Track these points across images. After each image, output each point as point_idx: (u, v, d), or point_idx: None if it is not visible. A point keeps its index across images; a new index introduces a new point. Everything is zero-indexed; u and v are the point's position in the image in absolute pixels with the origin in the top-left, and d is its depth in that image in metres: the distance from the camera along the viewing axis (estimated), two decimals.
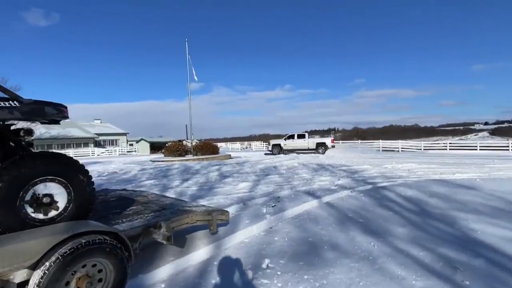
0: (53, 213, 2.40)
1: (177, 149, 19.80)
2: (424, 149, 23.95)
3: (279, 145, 23.69)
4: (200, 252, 3.39)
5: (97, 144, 43.13)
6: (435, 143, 26.37)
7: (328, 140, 23.52)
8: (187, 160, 18.00)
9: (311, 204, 5.43)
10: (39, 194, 2.33)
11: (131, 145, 48.15)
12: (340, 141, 28.90)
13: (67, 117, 2.74)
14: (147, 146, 44.80)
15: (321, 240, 3.75)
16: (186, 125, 21.41)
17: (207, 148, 20.62)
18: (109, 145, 45.66)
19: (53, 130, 37.78)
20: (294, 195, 6.21)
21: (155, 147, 37.50)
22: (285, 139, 23.85)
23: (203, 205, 4.00)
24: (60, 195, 2.43)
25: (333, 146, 22.75)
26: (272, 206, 5.24)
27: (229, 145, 46.41)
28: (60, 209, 2.43)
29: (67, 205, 2.46)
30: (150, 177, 10.32)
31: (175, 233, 3.18)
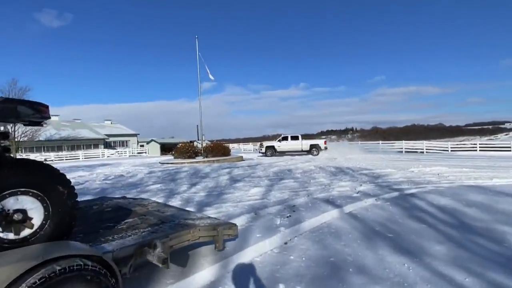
0: (26, 232, 2.09)
1: (187, 151, 19.68)
2: (451, 150, 22.87)
3: (273, 146, 23.86)
4: (203, 274, 3.03)
5: (107, 145, 43.83)
6: (462, 144, 25.20)
7: (321, 142, 24.34)
8: (197, 162, 17.81)
9: (331, 215, 4.99)
10: (8, 210, 2.02)
11: (142, 146, 48.76)
12: (359, 142, 28.00)
13: (47, 118, 2.43)
14: (157, 147, 45.18)
15: (345, 261, 3.32)
16: (197, 125, 21.20)
17: (218, 149, 20.41)
18: (120, 146, 46.34)
19: (63, 131, 38.64)
20: (311, 203, 5.78)
21: (166, 148, 37.68)
22: (279, 141, 24.13)
23: (209, 217, 3.64)
24: (35, 210, 2.12)
25: (325, 148, 23.62)
26: (287, 217, 4.83)
27: (242, 146, 46.15)
28: (35, 227, 2.11)
29: (44, 222, 2.14)
30: (157, 181, 10.12)
31: (177, 249, 2.84)
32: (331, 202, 5.84)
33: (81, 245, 2.19)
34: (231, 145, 33.51)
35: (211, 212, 5.33)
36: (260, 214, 5.07)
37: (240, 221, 4.58)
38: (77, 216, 2.33)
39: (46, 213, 2.15)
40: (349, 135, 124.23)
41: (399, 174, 9.55)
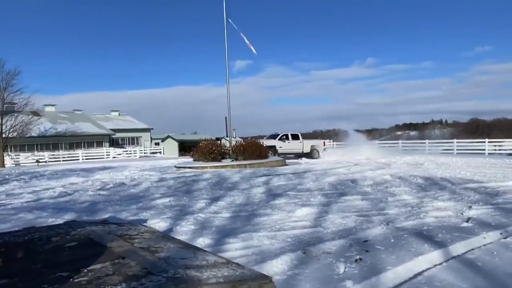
0: None
1: (210, 151, 19.41)
2: None
3: (274, 147, 24.41)
4: None
5: (114, 142, 45.64)
6: None
7: (320, 143, 26.78)
8: (223, 166, 17.45)
9: (430, 260, 4.02)
10: None
11: (157, 144, 50.21)
12: (455, 141, 25.95)
13: None
14: (175, 145, 46.25)
15: None
16: (225, 117, 20.93)
17: (252, 149, 19.84)
18: (129, 144, 48.07)
19: (60, 126, 40.82)
20: (393, 237, 4.83)
21: (186, 147, 38.31)
22: (281, 140, 25.27)
23: (227, 262, 2.90)
24: None
25: (324, 150, 26.00)
26: (356, 261, 3.96)
27: None
28: None
29: None
30: (167, 193, 9.77)
31: None
32: (426, 236, 4.85)
33: None
34: None
35: (235, 245, 4.64)
36: (312, 253, 4.25)
37: (279, 266, 3.81)
38: None
39: None
40: (435, 130, 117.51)
41: None
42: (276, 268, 3.80)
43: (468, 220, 5.71)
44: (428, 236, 4.84)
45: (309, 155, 25.32)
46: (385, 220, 5.79)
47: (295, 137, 25.95)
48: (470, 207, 6.63)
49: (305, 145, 25.77)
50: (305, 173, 13.70)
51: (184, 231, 5.48)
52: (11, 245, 3.29)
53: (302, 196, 8.31)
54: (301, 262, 3.97)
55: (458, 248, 4.39)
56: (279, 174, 13.46)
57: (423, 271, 3.79)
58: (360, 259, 4.02)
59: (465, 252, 4.29)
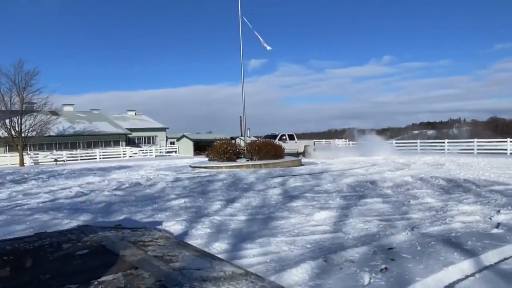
0: None
1: (225, 151, 19.29)
2: None
3: None
4: None
5: (130, 141, 46.02)
6: None
7: (311, 143, 28.33)
8: (238, 166, 17.30)
9: (461, 270, 3.74)
10: None
11: (172, 143, 50.44)
12: (476, 141, 25.19)
13: None
14: (190, 145, 46.38)
15: None
16: (240, 117, 20.78)
17: (267, 149, 19.66)
18: (145, 143, 48.42)
19: (78, 125, 41.35)
20: (419, 244, 4.56)
21: (201, 147, 38.22)
22: (280, 140, 25.36)
23: (245, 273, 2.70)
24: None
25: (314, 150, 27.13)
26: (381, 270, 3.72)
27: None
28: None
29: None
30: (182, 193, 9.66)
31: None
32: (455, 243, 4.56)
33: None
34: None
35: (252, 251, 4.45)
36: (334, 261, 4.02)
37: (299, 276, 3.60)
38: None
39: None
40: (454, 129, 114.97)
41: None
42: (296, 277, 3.60)
43: (498, 226, 5.39)
44: (457, 244, 4.55)
45: (303, 154, 26.52)
46: (409, 225, 5.51)
47: (291, 137, 27.32)
48: (499, 211, 6.29)
49: (300, 145, 27.19)
50: (322, 173, 13.43)
51: (199, 235, 5.33)
52: (21, 253, 3.16)
53: (320, 198, 8.06)
54: (322, 271, 3.75)
55: (490, 257, 4.10)
56: (295, 175, 13.23)
57: (455, 282, 3.53)
58: (385, 268, 3.78)
59: (499, 262, 3.99)
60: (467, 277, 3.64)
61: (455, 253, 4.19)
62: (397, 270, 3.72)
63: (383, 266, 3.82)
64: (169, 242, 3.59)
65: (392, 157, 21.08)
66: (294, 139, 27.34)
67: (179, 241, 3.91)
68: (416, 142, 28.81)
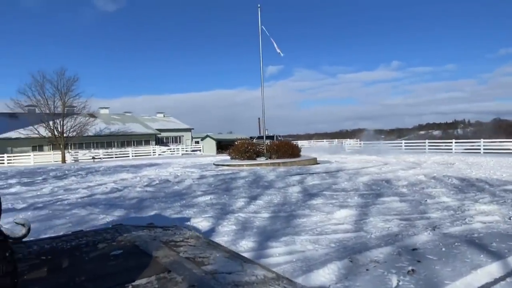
0: None
1: (246, 150, 19.09)
2: None
3: None
4: None
5: (159, 141, 46.42)
6: None
7: (305, 143, 29.98)
8: (258, 164, 17.07)
9: (489, 274, 3.40)
10: None
11: (197, 142, 50.67)
12: (483, 141, 24.17)
13: None
14: (213, 144, 46.39)
15: None
16: (258, 118, 20.56)
17: (285, 148, 19.38)
18: (172, 142, 48.76)
19: (113, 126, 41.94)
20: (443, 244, 4.21)
21: (223, 146, 38.22)
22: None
23: (277, 277, 2.46)
24: None
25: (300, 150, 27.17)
26: (408, 273, 3.41)
27: (313, 143, 44.63)
28: None
29: None
30: (208, 190, 9.47)
31: None
32: (479, 245, 4.19)
33: None
34: (300, 143, 32.48)
35: (278, 250, 4.20)
36: (359, 261, 3.73)
37: (326, 277, 3.33)
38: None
39: None
40: (459, 129, 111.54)
41: None
42: (323, 278, 3.33)
43: None
44: (482, 245, 4.18)
45: None
46: (429, 224, 5.15)
47: (270, 138, 27.93)
48: None
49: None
50: (338, 172, 13.03)
51: (226, 232, 5.11)
52: (58, 252, 2.99)
53: (338, 197, 7.72)
54: (349, 272, 3.46)
55: None
56: (312, 173, 12.88)
57: (485, 287, 3.20)
58: (412, 270, 3.47)
59: None
60: (496, 281, 3.30)
61: (481, 255, 3.83)
62: (425, 273, 3.41)
63: (410, 268, 3.51)
64: (200, 242, 3.37)
65: (402, 157, 20.43)
66: (273, 139, 27.71)
67: (209, 240, 3.69)
68: (424, 142, 27.76)
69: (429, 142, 27.69)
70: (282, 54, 20.20)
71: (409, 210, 6.19)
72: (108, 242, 3.15)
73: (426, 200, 7.00)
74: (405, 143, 29.82)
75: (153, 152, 38.74)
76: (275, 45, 19.74)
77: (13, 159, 30.99)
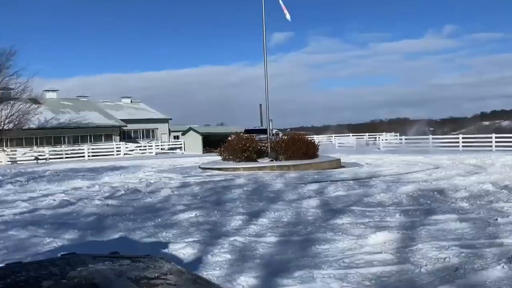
0: None
1: (244, 148, 19.17)
2: None
3: None
4: None
5: (125, 136, 46.60)
6: None
7: None
8: (260, 168, 17.22)
9: None
10: None
11: (176, 137, 50.84)
12: None
13: None
14: (198, 140, 46.50)
15: None
16: (260, 104, 20.60)
17: (297, 146, 19.41)
18: (143, 137, 48.95)
19: (63, 115, 42.08)
20: None
21: (212, 142, 38.29)
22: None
23: None
24: None
25: None
26: None
27: (335, 139, 44.55)
28: None
29: None
30: (192, 203, 9.61)
31: None
32: None
33: None
34: (316, 138, 32.43)
35: None
36: None
37: None
38: None
39: None
40: None
41: None
42: None
43: None
44: None
45: None
46: (502, 254, 5.12)
47: (262, 131, 27.86)
48: None
49: None
50: (371, 179, 13.23)
51: (217, 263, 5.12)
52: None
53: (373, 214, 7.81)
54: None
55: None
56: (336, 180, 13.05)
57: None
58: None
59: None
60: None
61: None
62: None
63: None
64: (182, 278, 3.26)
65: (460, 158, 20.43)
66: (266, 133, 28.44)
67: (195, 276, 3.60)
68: (491, 137, 27.55)
69: (496, 137, 27.56)
70: (289, 19, 20.18)
71: (473, 233, 6.24)
72: (56, 280, 3.04)
73: (496, 219, 7.04)
74: (462, 138, 29.80)
75: (117, 151, 38.92)
76: (281, 3, 19.73)
77: None
